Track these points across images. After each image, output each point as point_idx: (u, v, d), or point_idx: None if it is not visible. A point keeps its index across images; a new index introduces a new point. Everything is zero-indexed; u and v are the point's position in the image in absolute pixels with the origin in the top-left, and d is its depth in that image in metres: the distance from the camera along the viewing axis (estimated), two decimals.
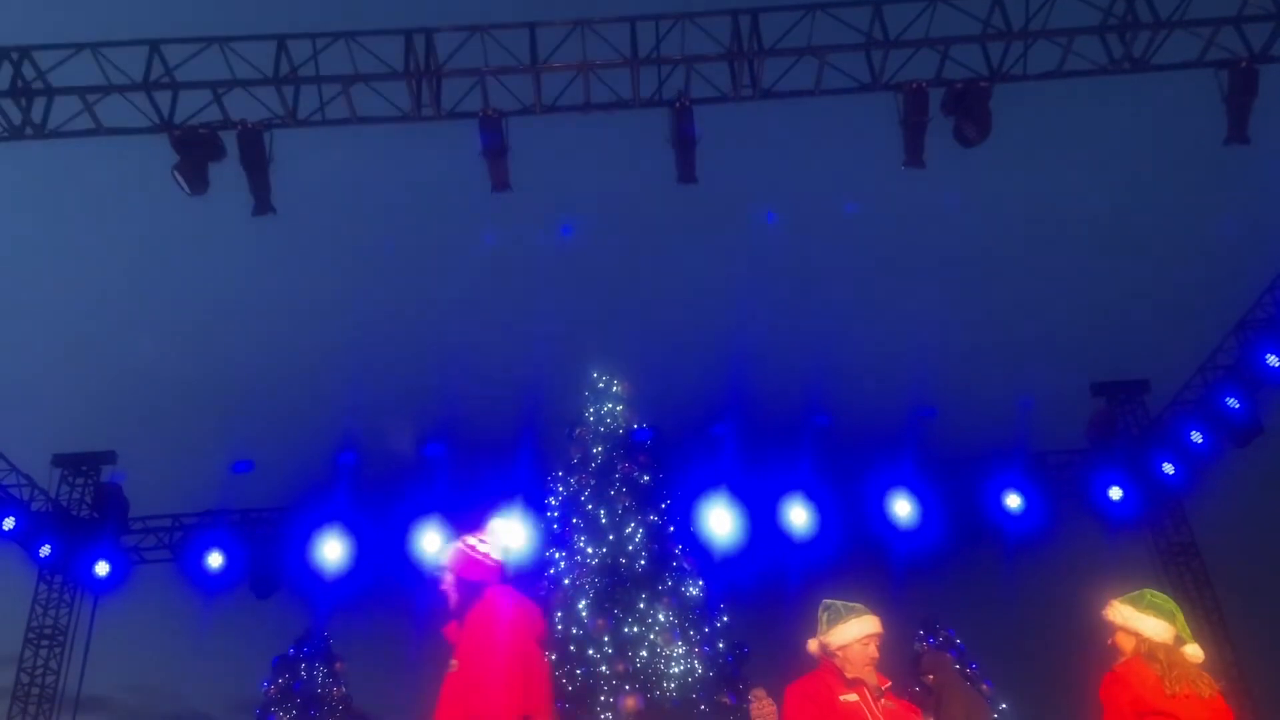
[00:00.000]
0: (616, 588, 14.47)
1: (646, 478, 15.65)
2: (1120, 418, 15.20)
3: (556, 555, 14.94)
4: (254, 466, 19.12)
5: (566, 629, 14.27)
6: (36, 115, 9.06)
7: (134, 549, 14.91)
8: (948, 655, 11.01)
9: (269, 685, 21.79)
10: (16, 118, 9.06)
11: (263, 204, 9.20)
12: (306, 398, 30.02)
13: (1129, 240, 30.53)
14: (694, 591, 14.81)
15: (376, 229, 32.49)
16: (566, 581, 14.68)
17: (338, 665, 22.23)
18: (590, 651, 14.01)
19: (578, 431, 16.28)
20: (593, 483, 15.52)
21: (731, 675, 14.36)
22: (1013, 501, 14.01)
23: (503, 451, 15.79)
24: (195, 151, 8.99)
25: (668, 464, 16.00)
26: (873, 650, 4.25)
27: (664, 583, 14.67)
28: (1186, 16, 9.09)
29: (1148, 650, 4.16)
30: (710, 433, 17.11)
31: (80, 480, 14.99)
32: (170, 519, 15.05)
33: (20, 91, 8.96)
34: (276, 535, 14.25)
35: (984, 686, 18.04)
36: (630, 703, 13.32)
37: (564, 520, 15.23)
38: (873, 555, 14.06)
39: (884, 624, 4.35)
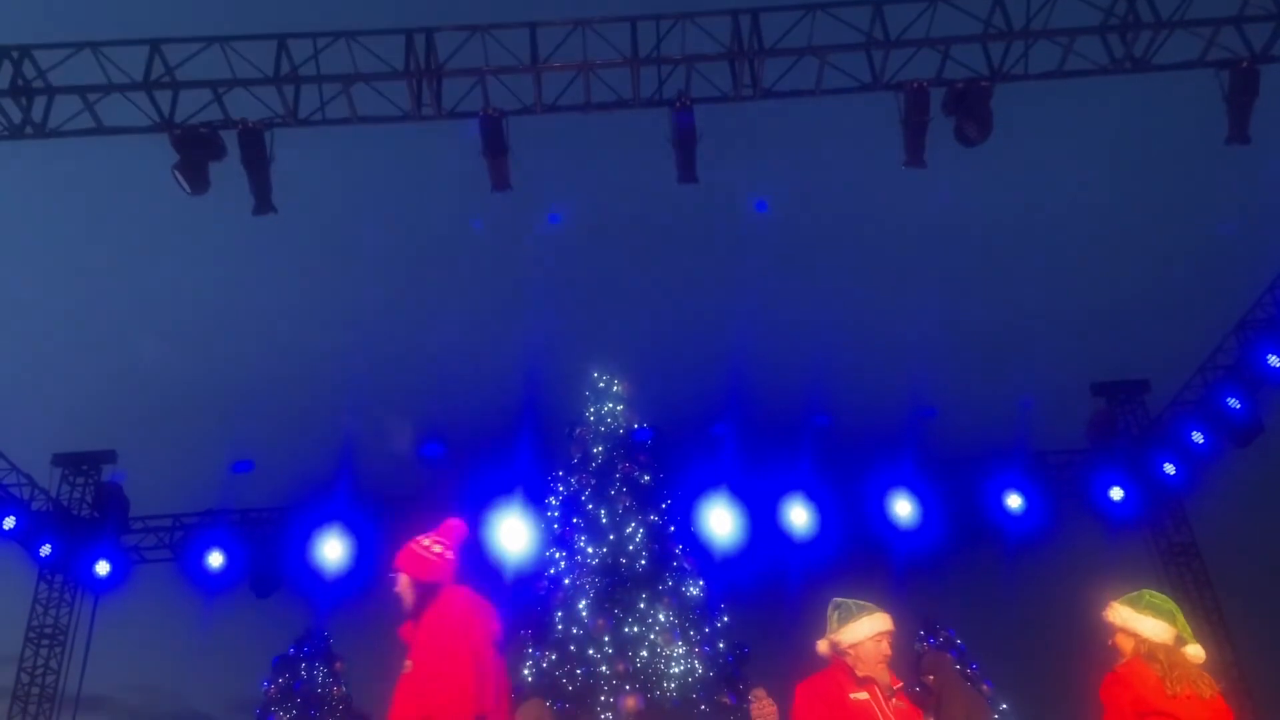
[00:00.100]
0: (617, 588, 14.46)
1: (647, 478, 15.64)
2: (1121, 418, 15.19)
3: (557, 555, 14.93)
4: (254, 466, 19.13)
5: (567, 629, 14.26)
6: (37, 114, 9.06)
7: (134, 548, 14.91)
8: (948, 655, 11.00)
9: (269, 685, 21.78)
10: (17, 117, 9.07)
11: (263, 203, 9.20)
12: (306, 398, 30.03)
13: (1130, 240, 30.53)
14: (694, 591, 14.80)
15: (376, 229, 32.50)
16: (567, 581, 14.67)
17: (338, 665, 22.23)
18: (590, 651, 14.00)
19: (578, 431, 16.26)
20: (593, 483, 15.50)
21: (732, 675, 14.34)
22: (1013, 501, 14.02)
23: (503, 451, 15.81)
24: (196, 151, 8.99)
25: (668, 464, 15.99)
26: (885, 648, 4.26)
27: (664, 583, 14.66)
28: (1187, 16, 9.09)
29: (1147, 651, 4.16)
30: (710, 433, 17.13)
31: (81, 480, 14.99)
32: (170, 518, 15.05)
33: (21, 91, 8.96)
34: (277, 535, 14.25)
35: (984, 687, 18.05)
36: (630, 703, 13.31)
37: (564, 520, 15.22)
38: (873, 555, 14.07)
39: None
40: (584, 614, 14.31)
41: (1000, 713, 18.26)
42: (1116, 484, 14.33)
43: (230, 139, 9.09)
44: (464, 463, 16.29)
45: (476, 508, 13.69)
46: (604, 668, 13.87)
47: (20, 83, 8.96)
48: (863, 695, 4.11)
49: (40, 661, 14.38)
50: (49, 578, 14.82)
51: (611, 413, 16.38)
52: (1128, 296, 29.59)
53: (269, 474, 18.97)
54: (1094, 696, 4.22)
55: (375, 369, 30.84)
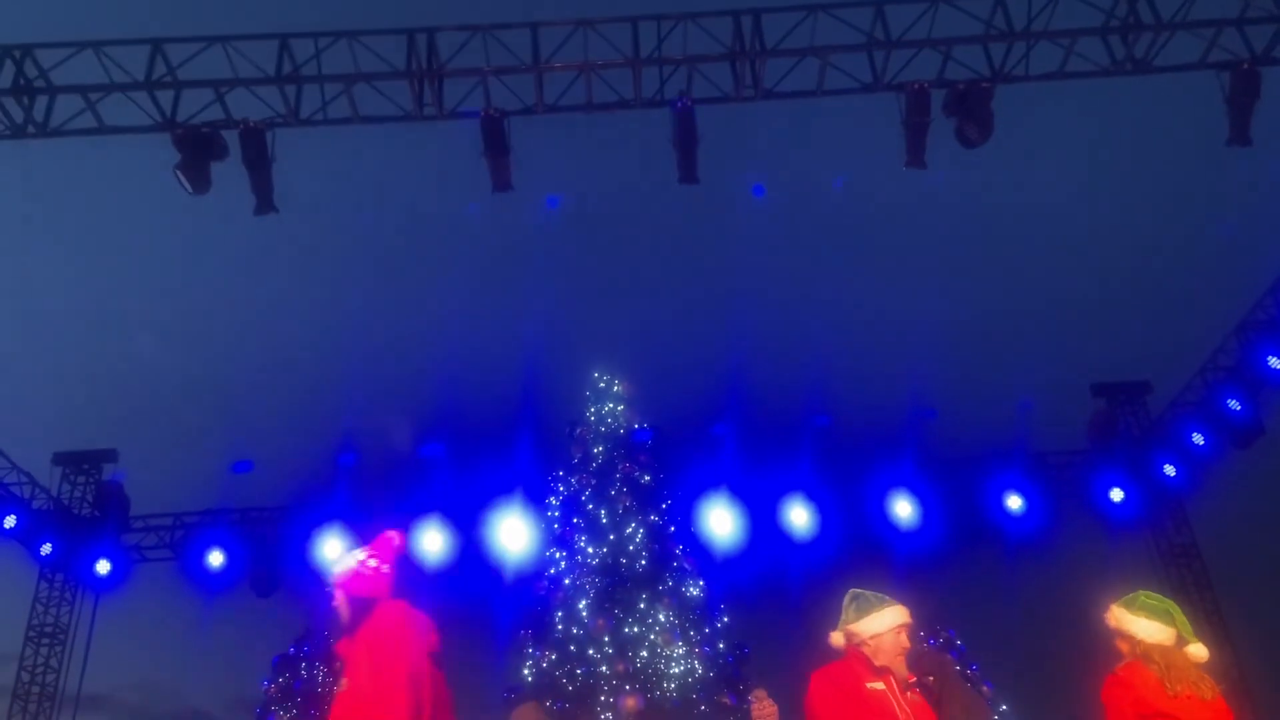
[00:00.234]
0: (617, 588, 14.45)
1: (647, 478, 15.63)
2: (1121, 419, 15.19)
3: (557, 555, 14.93)
4: (254, 466, 19.13)
5: (567, 629, 14.26)
6: (39, 114, 9.07)
7: (135, 547, 14.93)
8: (948, 656, 11.01)
9: (269, 684, 21.72)
10: (19, 116, 9.08)
11: (264, 203, 9.20)
12: (306, 397, 29.98)
13: (1131, 241, 30.51)
14: (694, 592, 14.79)
15: (376, 228, 32.50)
16: (567, 581, 14.66)
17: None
18: (590, 651, 13.99)
19: (578, 431, 16.25)
20: (593, 482, 15.49)
21: (732, 676, 14.34)
22: (1013, 502, 14.02)
23: (503, 451, 15.81)
24: (197, 150, 9.00)
25: (668, 464, 15.98)
26: (904, 640, 4.27)
27: (664, 583, 14.65)
28: (1189, 18, 9.10)
29: (1143, 652, 4.16)
30: (710, 433, 17.12)
31: (81, 479, 15.01)
32: (171, 517, 15.07)
33: (22, 90, 8.97)
34: (277, 534, 14.27)
35: (984, 688, 18.02)
36: (630, 703, 13.30)
37: (564, 520, 15.21)
38: (873, 556, 14.08)
39: None
40: (584, 614, 14.30)
41: (1000, 714, 18.23)
42: (1117, 485, 14.33)
43: (232, 139, 9.10)
44: (465, 462, 16.28)
45: (477, 507, 13.72)
46: (604, 668, 13.86)
47: (22, 82, 8.97)
48: (879, 686, 4.11)
49: (40, 660, 14.39)
50: (49, 576, 14.83)
51: (612, 413, 16.37)
52: (1128, 297, 29.58)
53: (269, 473, 18.96)
54: (1095, 698, 4.23)
55: (376, 369, 30.83)
